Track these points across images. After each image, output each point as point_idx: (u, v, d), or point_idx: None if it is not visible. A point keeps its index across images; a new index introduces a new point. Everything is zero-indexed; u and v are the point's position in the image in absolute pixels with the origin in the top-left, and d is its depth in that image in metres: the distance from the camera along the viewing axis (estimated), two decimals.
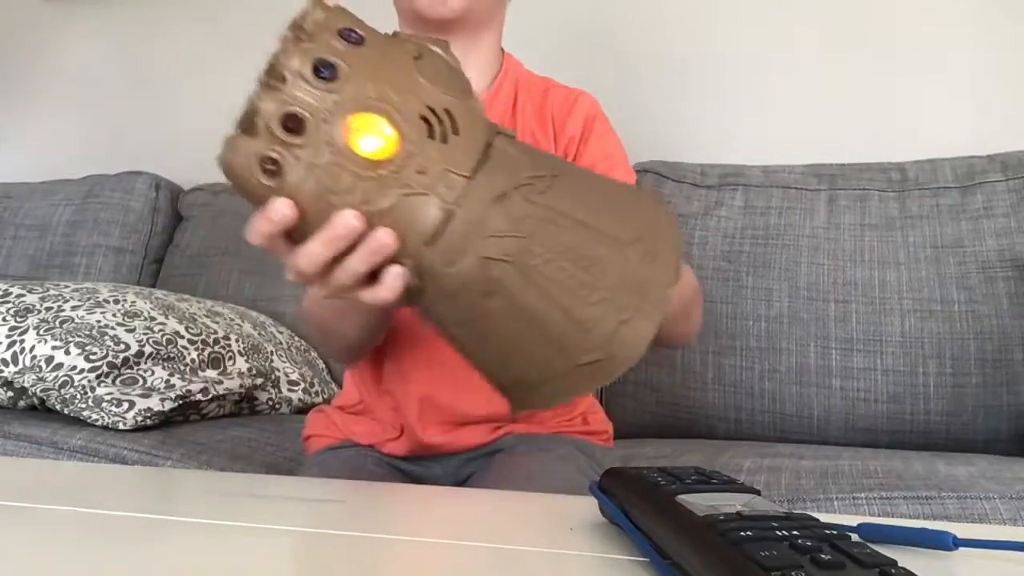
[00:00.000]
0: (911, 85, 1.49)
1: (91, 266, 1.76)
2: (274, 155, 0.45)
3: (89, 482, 0.62)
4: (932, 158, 1.36)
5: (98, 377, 1.12)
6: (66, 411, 1.11)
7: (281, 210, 0.46)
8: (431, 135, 0.45)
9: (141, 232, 1.80)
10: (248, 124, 0.45)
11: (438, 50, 0.50)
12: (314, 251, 0.48)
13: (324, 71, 0.44)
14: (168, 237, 1.83)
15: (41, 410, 1.19)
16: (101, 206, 1.81)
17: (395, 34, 0.50)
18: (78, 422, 1.09)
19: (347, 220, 0.46)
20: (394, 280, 0.48)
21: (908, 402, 1.20)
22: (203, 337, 1.27)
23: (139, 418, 1.07)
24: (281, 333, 1.47)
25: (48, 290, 1.29)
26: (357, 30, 0.46)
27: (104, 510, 0.49)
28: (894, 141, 1.46)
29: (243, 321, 1.41)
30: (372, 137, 0.44)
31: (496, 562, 0.41)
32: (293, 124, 0.44)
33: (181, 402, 1.13)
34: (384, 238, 0.46)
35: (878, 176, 1.34)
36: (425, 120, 0.45)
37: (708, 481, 0.41)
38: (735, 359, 1.28)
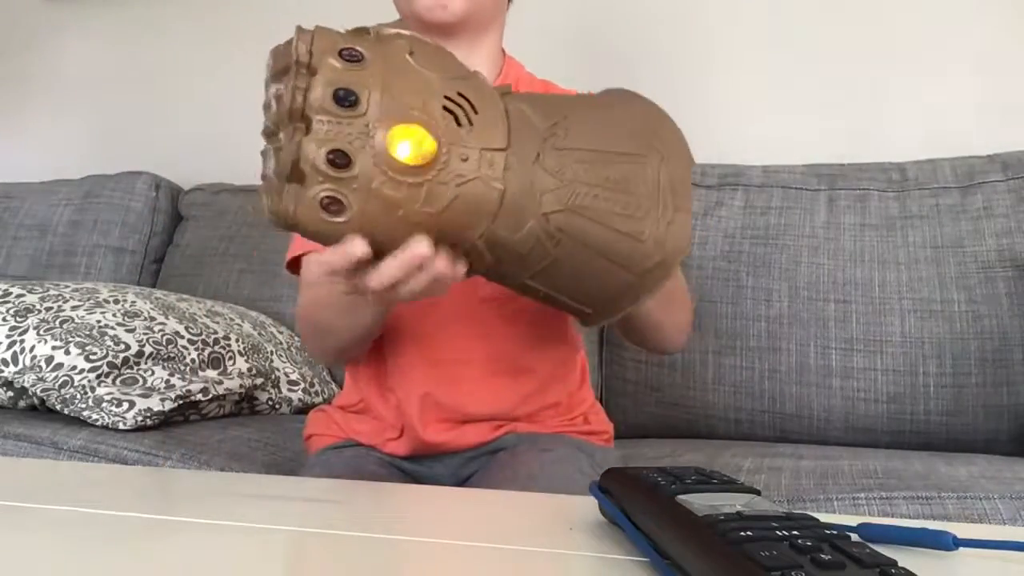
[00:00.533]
0: (911, 85, 1.49)
1: (91, 266, 1.76)
2: (333, 194, 0.45)
3: (89, 482, 0.62)
4: (932, 158, 1.36)
5: (98, 377, 1.12)
6: (66, 411, 1.11)
7: (360, 248, 0.49)
8: (459, 123, 0.47)
9: (141, 232, 1.80)
10: (294, 172, 0.45)
11: (421, 37, 0.52)
12: (388, 273, 0.52)
13: (346, 99, 0.45)
14: (168, 237, 1.83)
15: (41, 410, 1.19)
16: (101, 206, 1.81)
17: (376, 32, 0.51)
18: (78, 422, 1.09)
19: (422, 249, 0.50)
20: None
21: (908, 402, 1.20)
22: (203, 337, 1.27)
23: (139, 418, 1.07)
24: (281, 333, 1.47)
25: (48, 290, 1.29)
26: (355, 47, 0.47)
27: (104, 510, 0.49)
28: (894, 141, 1.46)
29: (243, 321, 1.41)
30: (413, 145, 0.46)
31: (496, 562, 0.41)
32: (339, 159, 0.45)
33: (181, 402, 1.13)
34: (443, 267, 0.52)
35: (878, 176, 1.34)
36: (448, 111, 0.47)
37: (708, 481, 0.41)
38: (735, 359, 1.28)
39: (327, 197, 0.45)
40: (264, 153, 0.48)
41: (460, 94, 0.48)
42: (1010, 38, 1.45)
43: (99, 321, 1.21)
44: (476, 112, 0.48)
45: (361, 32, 0.50)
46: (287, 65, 0.46)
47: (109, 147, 2.06)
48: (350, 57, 0.46)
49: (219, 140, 1.97)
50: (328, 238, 0.48)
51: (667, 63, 1.62)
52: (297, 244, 0.87)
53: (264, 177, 0.48)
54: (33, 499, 0.52)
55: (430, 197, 0.47)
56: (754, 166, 1.43)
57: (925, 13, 1.49)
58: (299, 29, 0.48)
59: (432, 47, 0.51)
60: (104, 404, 1.07)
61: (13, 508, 0.50)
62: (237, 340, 1.32)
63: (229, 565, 0.40)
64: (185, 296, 1.45)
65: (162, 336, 1.23)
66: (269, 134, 0.47)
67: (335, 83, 0.45)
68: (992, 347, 1.19)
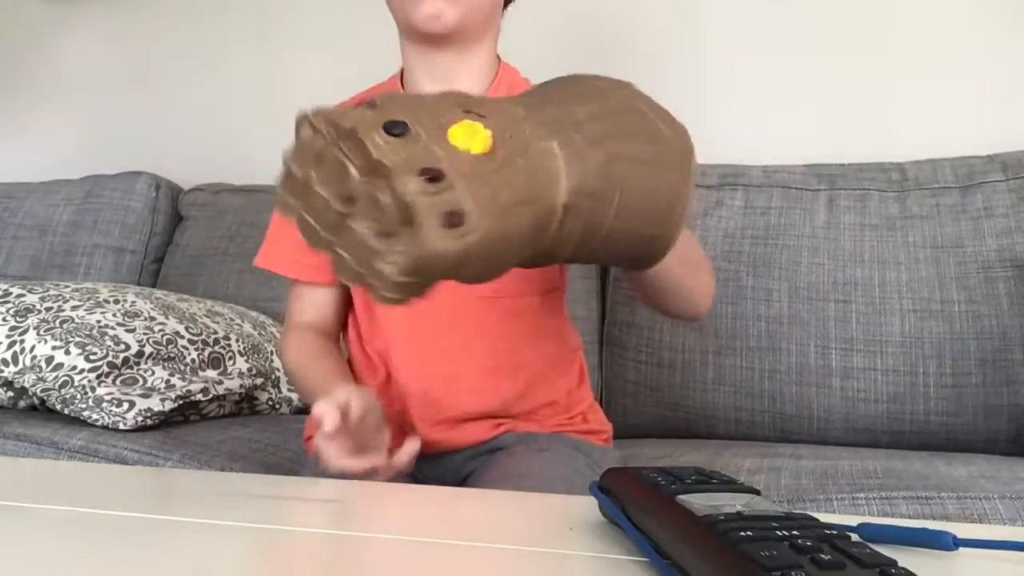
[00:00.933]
0: (911, 85, 1.49)
1: (91, 266, 1.76)
2: (450, 207, 0.42)
3: (89, 482, 0.62)
4: (932, 158, 1.36)
5: (98, 377, 1.12)
6: (66, 411, 1.11)
7: (330, 422, 0.66)
8: (483, 117, 0.47)
9: (141, 232, 1.80)
10: (407, 218, 0.42)
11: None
12: (341, 465, 0.70)
13: (395, 128, 0.43)
14: (168, 237, 1.83)
15: (41, 410, 1.19)
16: (101, 206, 1.81)
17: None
18: (78, 422, 1.09)
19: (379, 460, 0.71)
20: None
21: (908, 402, 1.20)
22: (203, 337, 1.27)
23: (139, 418, 1.07)
24: (281, 333, 1.47)
25: (48, 290, 1.29)
26: (400, 120, 0.44)
27: (104, 510, 0.49)
28: (894, 141, 1.46)
29: (243, 321, 1.41)
30: (474, 138, 0.45)
31: (496, 562, 0.41)
32: (431, 174, 0.42)
33: (181, 402, 1.13)
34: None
35: (878, 176, 1.34)
36: (468, 111, 0.47)
37: (708, 481, 0.41)
38: (735, 359, 1.28)
39: (446, 213, 0.42)
40: (339, 245, 0.45)
41: (468, 104, 0.49)
42: (1010, 38, 1.45)
43: (99, 321, 1.21)
44: (485, 110, 0.49)
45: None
46: (324, 148, 0.44)
47: (109, 147, 2.06)
48: (391, 130, 0.44)
49: (219, 140, 1.97)
50: (461, 266, 0.44)
51: (667, 63, 1.62)
52: (265, 250, 0.95)
53: (364, 262, 0.44)
54: (33, 499, 0.52)
55: (512, 178, 0.45)
56: (754, 166, 1.43)
57: (925, 13, 1.49)
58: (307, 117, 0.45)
59: (431, 94, 0.51)
60: (104, 404, 1.07)
61: (13, 508, 0.50)
62: (237, 340, 1.32)
63: (229, 565, 0.40)
64: (185, 296, 1.45)
65: (162, 336, 1.23)
66: (336, 225, 0.44)
67: (378, 122, 0.43)
68: (992, 347, 1.19)
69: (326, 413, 0.66)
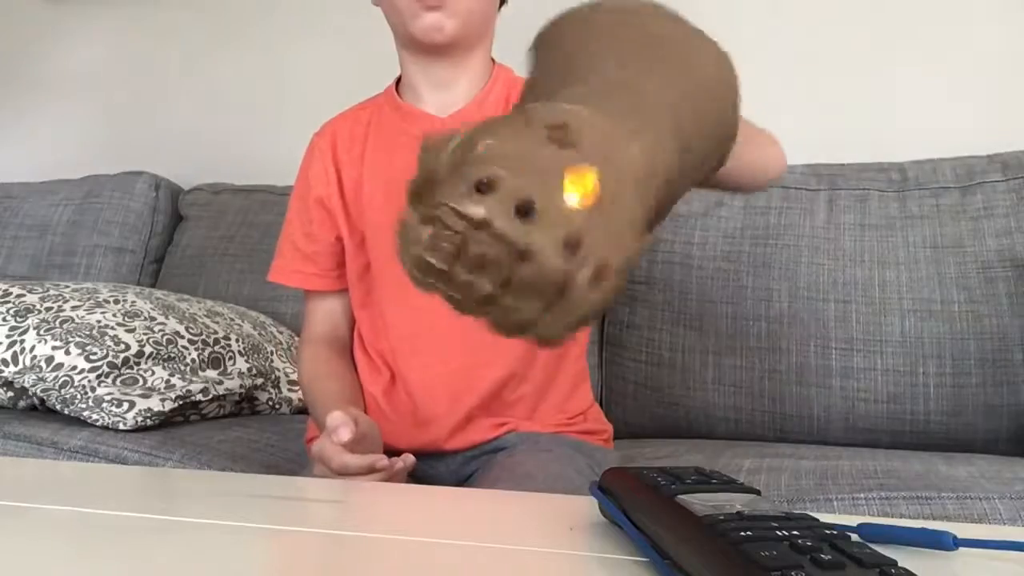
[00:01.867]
0: (911, 85, 1.49)
1: (91, 266, 1.76)
2: (600, 269, 0.41)
3: (89, 482, 0.62)
4: (932, 158, 1.36)
5: (98, 377, 1.12)
6: (66, 411, 1.11)
7: (345, 434, 0.71)
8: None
9: (141, 232, 1.80)
10: (561, 290, 0.41)
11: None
12: (352, 466, 0.72)
13: (527, 210, 0.40)
14: (168, 237, 1.83)
15: (41, 410, 1.19)
16: (101, 206, 1.81)
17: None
18: (78, 422, 1.09)
19: (383, 463, 0.73)
20: None
21: (908, 402, 1.20)
22: (203, 337, 1.27)
23: (139, 418, 1.07)
24: (281, 333, 1.47)
25: (48, 290, 1.29)
26: (529, 200, 0.41)
27: (104, 510, 0.49)
28: (894, 141, 1.46)
29: (243, 321, 1.41)
30: (585, 186, 0.41)
31: (496, 562, 0.41)
32: (525, 209, 0.40)
33: (181, 402, 1.13)
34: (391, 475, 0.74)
35: (878, 176, 1.34)
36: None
37: (708, 481, 0.41)
38: (735, 359, 1.28)
39: (594, 276, 0.40)
40: (492, 313, 0.42)
41: (551, 126, 0.43)
42: (1011, 38, 1.45)
43: (99, 321, 1.21)
44: (571, 133, 0.44)
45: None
46: (458, 238, 0.41)
47: (109, 147, 2.06)
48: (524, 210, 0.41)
49: (219, 140, 1.97)
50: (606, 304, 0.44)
51: None
52: (275, 265, 0.97)
53: (522, 326, 0.42)
54: (33, 499, 0.52)
55: (623, 212, 0.43)
56: None
57: (925, 13, 1.49)
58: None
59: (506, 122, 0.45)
60: (104, 404, 1.07)
61: (13, 508, 0.50)
62: (237, 340, 1.32)
63: (229, 565, 0.40)
64: (185, 296, 1.45)
65: (162, 336, 1.23)
66: (486, 299, 0.41)
67: (508, 206, 0.40)
68: (992, 347, 1.19)
69: (343, 423, 0.70)
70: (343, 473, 0.71)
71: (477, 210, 0.39)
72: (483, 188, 0.40)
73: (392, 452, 0.87)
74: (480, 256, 0.40)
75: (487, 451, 0.86)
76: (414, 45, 0.87)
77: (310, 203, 0.94)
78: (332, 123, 0.97)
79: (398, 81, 0.95)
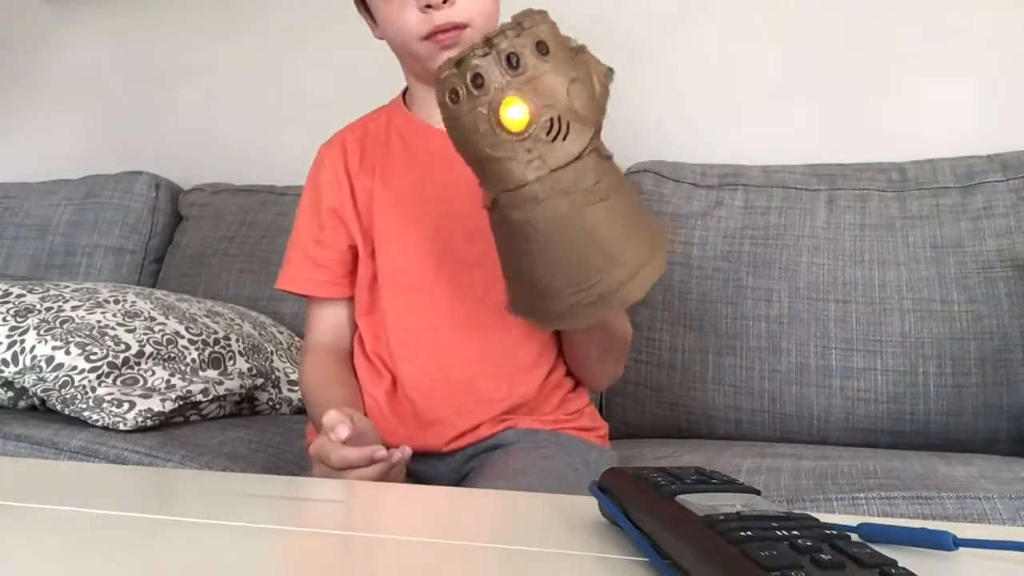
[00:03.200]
0: (911, 85, 1.49)
1: (91, 266, 1.76)
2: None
3: (89, 482, 0.62)
4: (932, 158, 1.36)
5: (98, 377, 1.12)
6: (67, 411, 1.11)
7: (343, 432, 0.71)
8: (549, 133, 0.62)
9: (141, 232, 1.80)
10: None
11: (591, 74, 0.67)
12: (348, 458, 0.73)
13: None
14: (168, 237, 1.83)
15: (41, 410, 1.20)
16: (101, 206, 1.81)
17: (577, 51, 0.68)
18: (79, 423, 1.09)
19: (380, 453, 0.73)
20: None
21: (908, 402, 1.20)
22: (203, 337, 1.27)
23: (140, 419, 1.07)
24: (281, 333, 1.47)
25: (48, 290, 1.29)
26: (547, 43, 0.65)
27: (104, 510, 0.49)
28: (894, 141, 1.46)
29: (243, 321, 1.41)
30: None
31: (496, 562, 0.41)
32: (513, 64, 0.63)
33: (181, 403, 1.13)
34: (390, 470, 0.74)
35: (878, 176, 1.34)
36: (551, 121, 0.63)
37: (708, 481, 0.41)
38: (735, 359, 1.28)
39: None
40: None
41: (567, 122, 0.64)
42: (1010, 38, 1.45)
43: (99, 321, 1.21)
44: (564, 139, 0.63)
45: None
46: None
47: (109, 147, 2.06)
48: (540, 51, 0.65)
49: (219, 140, 1.97)
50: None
51: (666, 63, 1.62)
52: (283, 272, 0.96)
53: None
54: (33, 499, 0.52)
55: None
56: (754, 166, 1.43)
57: (925, 13, 1.49)
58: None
59: (592, 90, 0.67)
60: (104, 404, 1.07)
61: (13, 508, 0.50)
62: (237, 340, 1.32)
63: (229, 565, 0.40)
64: (185, 296, 1.45)
65: (162, 336, 1.23)
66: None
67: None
68: (992, 347, 1.19)
69: (341, 421, 0.70)
70: (343, 467, 0.71)
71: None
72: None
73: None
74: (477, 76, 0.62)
75: (485, 448, 0.87)
76: (431, 79, 0.88)
77: (322, 211, 0.94)
78: (340, 134, 0.98)
79: (404, 90, 0.96)
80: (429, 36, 0.83)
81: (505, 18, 0.92)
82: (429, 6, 0.80)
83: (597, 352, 0.90)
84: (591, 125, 0.65)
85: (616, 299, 0.65)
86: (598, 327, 0.82)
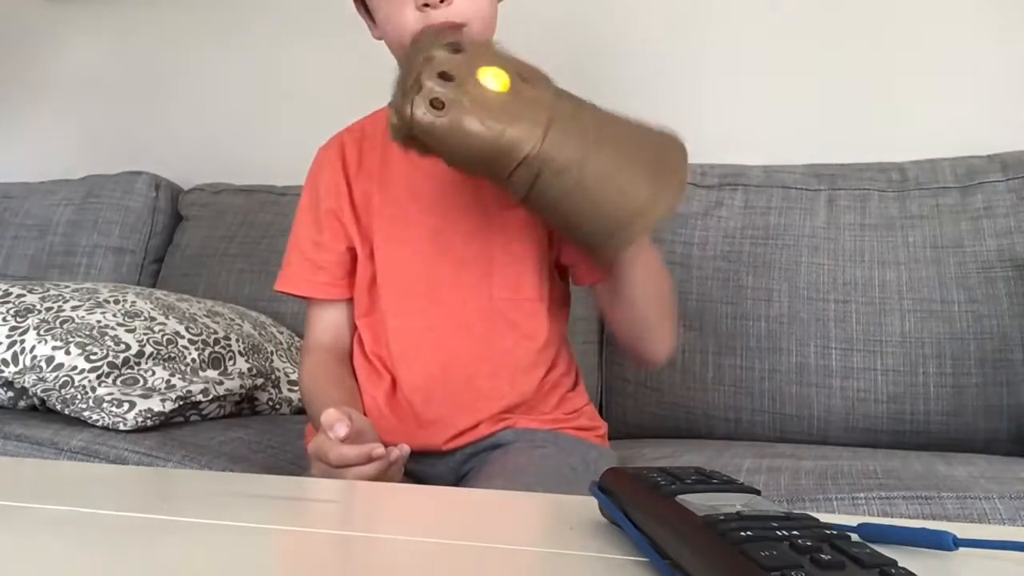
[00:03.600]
0: (911, 85, 1.49)
1: (91, 266, 1.76)
2: (436, 97, 0.68)
3: (89, 482, 0.62)
4: (932, 158, 1.36)
5: (99, 377, 1.12)
6: (67, 411, 1.10)
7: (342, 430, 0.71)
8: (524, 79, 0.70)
9: (141, 232, 1.80)
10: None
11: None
12: (347, 455, 0.73)
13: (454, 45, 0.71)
14: (168, 237, 1.83)
15: (41, 410, 1.19)
16: (101, 206, 1.81)
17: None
18: (79, 423, 1.09)
19: (379, 451, 0.73)
20: None
21: (908, 402, 1.20)
22: (203, 337, 1.27)
23: (140, 419, 1.07)
24: (281, 333, 1.47)
25: (48, 290, 1.29)
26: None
27: (104, 510, 0.49)
28: (894, 141, 1.46)
29: (243, 321, 1.41)
30: (500, 80, 0.70)
31: (496, 562, 0.41)
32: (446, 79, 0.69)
33: (181, 403, 1.13)
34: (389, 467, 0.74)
35: (878, 176, 1.34)
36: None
37: (708, 481, 0.41)
38: (735, 359, 1.28)
39: (433, 99, 0.68)
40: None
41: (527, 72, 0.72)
42: (1010, 38, 1.45)
43: (99, 321, 1.21)
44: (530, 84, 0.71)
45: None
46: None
47: (109, 147, 2.06)
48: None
49: (219, 140, 1.97)
50: (431, 136, 0.68)
51: (667, 63, 1.62)
52: (282, 274, 0.96)
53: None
54: (33, 499, 0.52)
55: (501, 110, 0.68)
56: (754, 166, 1.43)
57: (925, 13, 1.49)
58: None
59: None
60: (105, 404, 1.07)
61: (13, 508, 0.50)
62: (237, 340, 1.32)
63: (229, 565, 0.40)
64: (185, 296, 1.45)
65: (162, 336, 1.23)
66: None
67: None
68: (992, 347, 1.19)
69: (339, 419, 0.71)
70: (341, 465, 0.71)
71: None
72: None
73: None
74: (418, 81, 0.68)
75: (484, 448, 0.87)
76: None
77: (321, 213, 0.94)
78: (339, 137, 0.98)
79: None
80: None
81: (505, 17, 0.92)
82: (427, 5, 0.80)
83: (655, 298, 0.87)
84: (542, 75, 0.73)
85: (651, 213, 0.70)
86: (644, 263, 0.83)
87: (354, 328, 0.95)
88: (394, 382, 0.90)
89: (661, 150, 0.74)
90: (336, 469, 0.72)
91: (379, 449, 0.72)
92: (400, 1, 0.82)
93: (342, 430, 0.70)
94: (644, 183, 0.70)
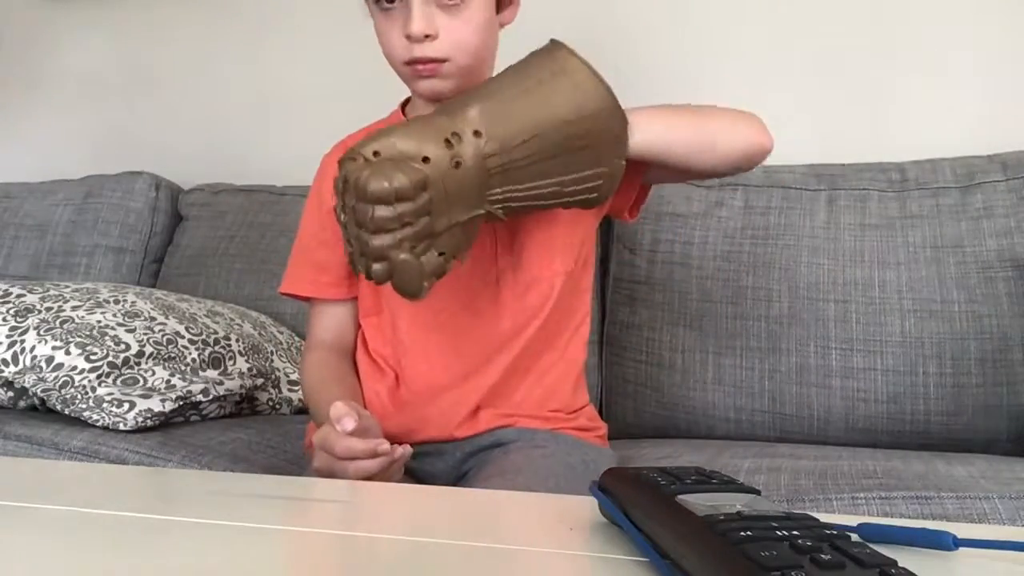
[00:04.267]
0: (911, 85, 1.49)
1: (91, 266, 1.76)
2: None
3: (89, 482, 0.62)
4: (932, 158, 1.35)
5: (99, 377, 1.12)
6: (67, 411, 1.10)
7: (349, 424, 0.72)
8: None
9: (141, 232, 1.80)
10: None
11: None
12: (347, 447, 0.74)
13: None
14: (168, 237, 1.83)
15: (42, 410, 1.19)
16: (101, 206, 1.81)
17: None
18: (79, 423, 1.09)
19: (384, 448, 0.74)
20: None
21: (908, 402, 1.20)
22: (203, 337, 1.27)
23: (140, 419, 1.07)
24: (281, 333, 1.47)
25: (48, 290, 1.29)
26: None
27: (104, 510, 0.49)
28: (894, 141, 1.46)
29: (243, 321, 1.41)
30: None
31: (496, 562, 0.41)
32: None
33: (182, 403, 1.13)
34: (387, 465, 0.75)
35: (878, 176, 1.34)
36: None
37: (708, 481, 0.41)
38: (735, 359, 1.28)
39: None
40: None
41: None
42: (1010, 38, 1.45)
43: (99, 321, 1.21)
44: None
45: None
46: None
47: (109, 147, 2.06)
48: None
49: (219, 140, 1.97)
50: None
51: (666, 63, 1.62)
52: (287, 276, 0.97)
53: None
54: (33, 499, 0.52)
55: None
56: None
57: (925, 13, 1.49)
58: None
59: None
60: (105, 404, 1.07)
61: (13, 508, 0.50)
62: (237, 340, 1.32)
63: (229, 565, 0.40)
64: (185, 296, 1.45)
65: (162, 336, 1.23)
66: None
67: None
68: (992, 347, 1.19)
69: (347, 414, 0.72)
70: (347, 457, 0.72)
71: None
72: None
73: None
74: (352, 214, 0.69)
75: (485, 446, 0.88)
76: (420, 92, 0.89)
77: (325, 214, 0.95)
78: (343, 143, 0.99)
79: (407, 101, 0.96)
80: (410, 63, 0.85)
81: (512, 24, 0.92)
82: (409, 37, 0.82)
83: (691, 127, 0.86)
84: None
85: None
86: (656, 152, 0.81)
87: (357, 327, 0.96)
88: (397, 379, 0.91)
89: (554, 70, 0.76)
90: (340, 461, 0.73)
91: (384, 446, 0.73)
92: (390, 23, 0.84)
93: (350, 424, 0.72)
94: (570, 101, 0.75)
